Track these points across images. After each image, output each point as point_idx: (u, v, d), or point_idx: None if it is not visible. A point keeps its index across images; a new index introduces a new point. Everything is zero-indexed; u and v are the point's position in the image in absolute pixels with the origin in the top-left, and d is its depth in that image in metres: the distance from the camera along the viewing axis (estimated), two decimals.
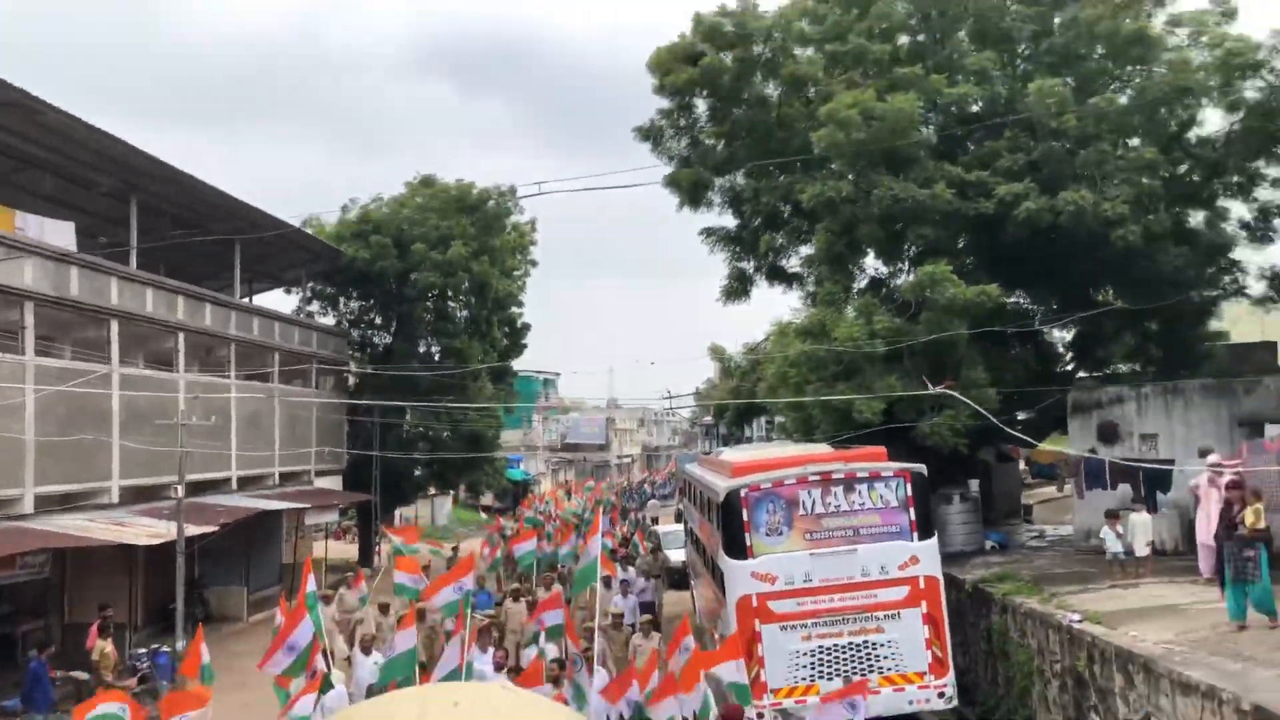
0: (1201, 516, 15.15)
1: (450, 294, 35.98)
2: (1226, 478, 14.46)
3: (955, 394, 17.00)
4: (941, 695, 14.70)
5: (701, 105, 23.19)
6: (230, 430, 25.97)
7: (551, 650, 15.07)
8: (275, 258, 32.78)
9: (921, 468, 15.32)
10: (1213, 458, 15.01)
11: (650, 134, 23.53)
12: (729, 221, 24.19)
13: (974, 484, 22.18)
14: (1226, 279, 22.18)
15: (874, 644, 14.57)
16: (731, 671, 11.87)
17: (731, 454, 19.47)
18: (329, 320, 37.29)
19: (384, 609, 18.40)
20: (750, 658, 14.41)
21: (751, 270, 24.32)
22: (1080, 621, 13.17)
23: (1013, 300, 23.45)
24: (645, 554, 29.45)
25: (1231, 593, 12.16)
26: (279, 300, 46.58)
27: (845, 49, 20.66)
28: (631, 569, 24.11)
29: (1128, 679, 11.56)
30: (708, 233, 24.23)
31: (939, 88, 20.09)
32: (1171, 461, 18.10)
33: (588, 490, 49.94)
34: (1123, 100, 20.11)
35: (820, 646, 14.55)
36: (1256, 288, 22.78)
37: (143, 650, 18.82)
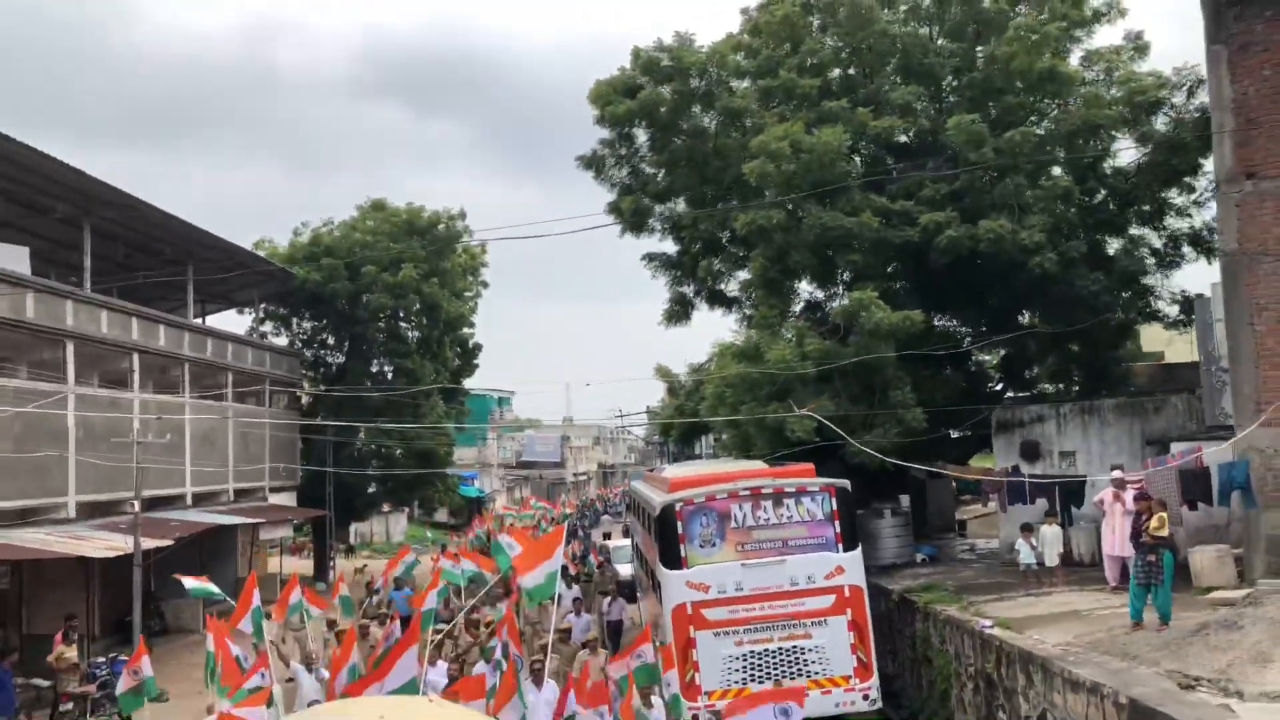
0: (1106, 529, 16.22)
1: (402, 315, 36.64)
2: (1130, 492, 15.57)
3: (815, 415, 17.99)
4: (866, 698, 15.60)
5: (641, 135, 24.14)
6: (185, 448, 26.39)
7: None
8: (228, 279, 33.13)
9: (846, 483, 16.28)
10: (1115, 474, 16.08)
11: (592, 163, 24.44)
12: (670, 247, 25.19)
13: (904, 499, 23.21)
14: (1140, 303, 23.43)
15: (802, 649, 15.45)
16: (674, 683, 12.44)
17: (671, 470, 20.33)
18: (282, 341, 37.74)
19: (330, 625, 18.51)
20: (685, 662, 15.28)
21: (692, 294, 25.29)
22: (991, 627, 14.15)
23: (942, 323, 24.65)
24: (597, 572, 29.72)
25: (1136, 594, 13.18)
26: (232, 321, 46.96)
27: (776, 83, 21.72)
28: (577, 586, 24.74)
29: (1028, 678, 12.54)
30: (649, 258, 25.16)
31: (865, 121, 21.18)
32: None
33: (536, 508, 50.37)
34: (1039, 133, 21.29)
35: (751, 651, 15.40)
36: (1170, 311, 24.15)
37: (102, 659, 19.22)
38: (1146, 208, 22.75)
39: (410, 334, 37.73)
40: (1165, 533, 12.76)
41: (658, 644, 16.52)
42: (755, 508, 15.84)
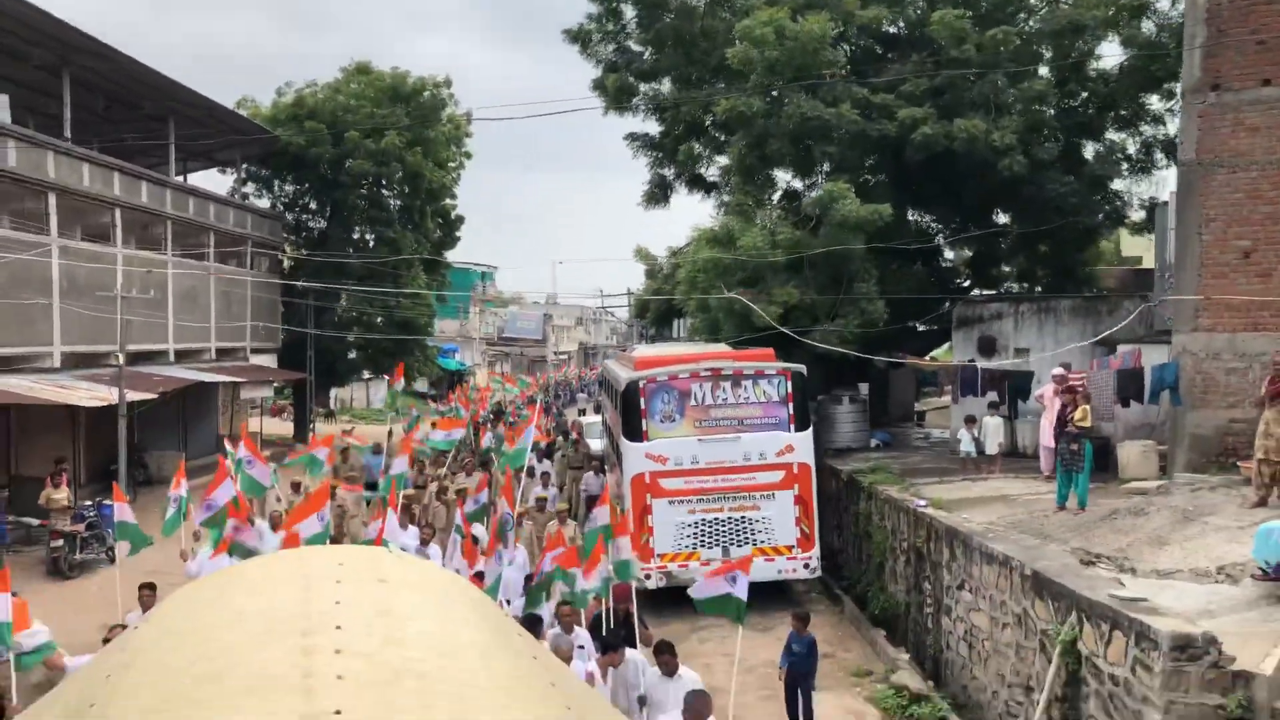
0: (1044, 422, 17.09)
1: (384, 183, 36.71)
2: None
3: (747, 301, 18.65)
4: (807, 566, 16.78)
5: (629, 11, 24.09)
6: (168, 305, 26.88)
7: (478, 530, 15.62)
8: (209, 138, 32.99)
9: (801, 368, 17.08)
10: (1057, 370, 16.89)
11: (579, 37, 24.42)
12: (653, 128, 25.33)
13: (864, 387, 24.06)
14: (1109, 208, 23.94)
15: (750, 520, 16.52)
16: (625, 548, 12.52)
17: (639, 351, 21.09)
18: (264, 203, 37.82)
19: (295, 487, 18.98)
20: (641, 527, 16.28)
21: (672, 177, 25.59)
22: (925, 506, 15.10)
23: (915, 218, 25.16)
24: (568, 448, 30.00)
25: (1061, 480, 14.16)
26: (214, 180, 46.74)
27: None
28: (548, 460, 25.64)
29: (952, 552, 13.53)
30: (632, 138, 25.36)
31: (853, 9, 21.25)
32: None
33: (522, 384, 51.28)
34: (1026, 30, 21.42)
35: (703, 520, 16.46)
36: (1138, 217, 24.71)
37: (89, 502, 20.14)
38: (1124, 112, 23.07)
39: (392, 203, 37.85)
40: (1088, 424, 13.63)
41: (618, 510, 17.60)
42: (714, 388, 16.65)
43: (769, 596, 16.80)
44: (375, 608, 2.09)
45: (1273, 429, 12.09)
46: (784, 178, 24.13)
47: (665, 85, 24.91)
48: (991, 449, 17.74)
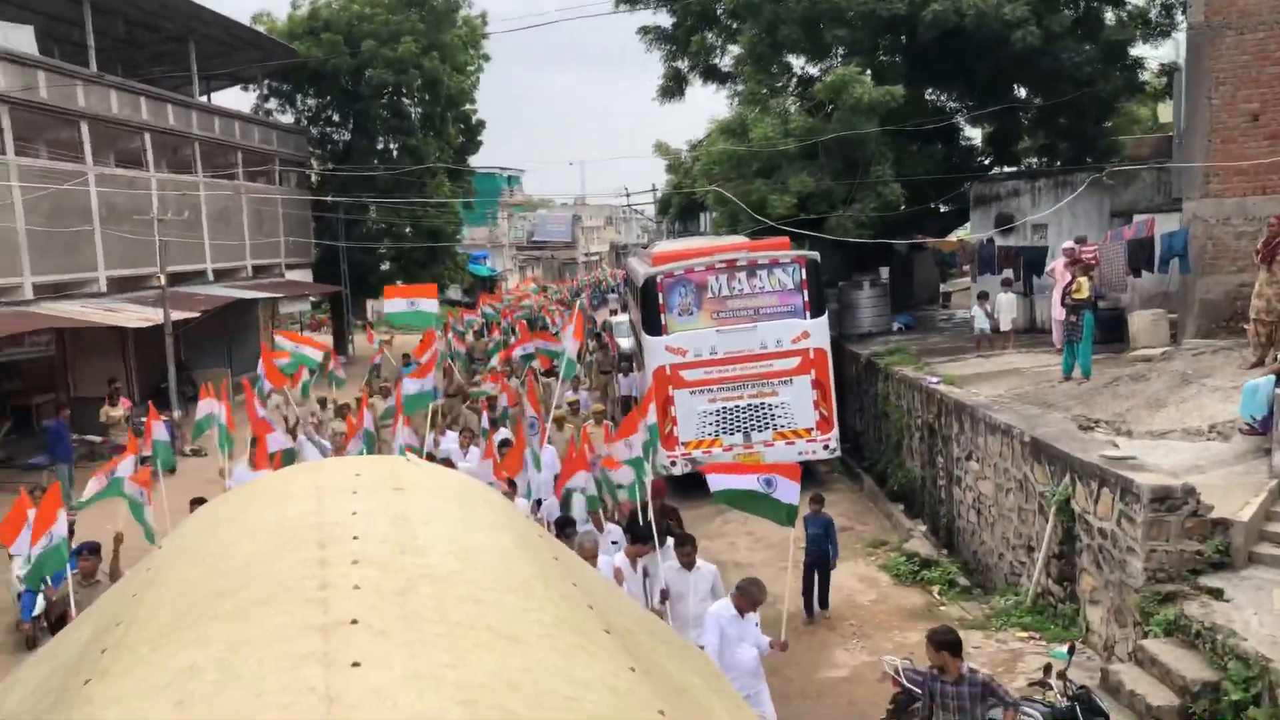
0: (1056, 296, 17.44)
1: (404, 91, 36.80)
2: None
3: (733, 197, 18.80)
4: (826, 448, 17.44)
5: None
6: (202, 225, 27.61)
7: (503, 432, 15.80)
8: (229, 56, 33.36)
9: (815, 255, 17.49)
10: (1067, 244, 17.14)
11: None
12: (665, 20, 25.23)
13: (884, 271, 24.36)
14: (1127, 75, 23.67)
15: (769, 405, 17.15)
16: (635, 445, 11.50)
17: (658, 247, 21.51)
18: (287, 119, 38.15)
19: (322, 403, 19.39)
20: (664, 417, 16.98)
21: (686, 69, 25.56)
22: (937, 383, 15.64)
23: (931, 97, 25.06)
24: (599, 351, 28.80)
25: (1066, 351, 14.64)
26: (237, 99, 46.97)
27: None
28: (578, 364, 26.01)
29: (960, 425, 14.11)
30: (644, 31, 25.29)
31: None
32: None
33: (548, 291, 51.77)
34: None
35: (724, 407, 17.12)
36: (1160, 83, 24.43)
37: (143, 419, 21.20)
38: None
39: (413, 111, 37.98)
40: (1083, 295, 14.00)
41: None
42: (730, 279, 17.13)
43: None
44: (391, 516, 2.12)
45: (1264, 289, 12.41)
46: (797, 64, 24.06)
47: None
48: (1005, 325, 18.15)
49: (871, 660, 10.56)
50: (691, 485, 17.42)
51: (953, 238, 25.04)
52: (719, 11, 24.17)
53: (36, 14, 24.99)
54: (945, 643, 6.83)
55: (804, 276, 17.12)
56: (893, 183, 20.82)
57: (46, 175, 21.41)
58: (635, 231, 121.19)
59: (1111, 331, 16.60)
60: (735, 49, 24.55)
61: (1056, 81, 22.32)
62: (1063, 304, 14.54)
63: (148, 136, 25.81)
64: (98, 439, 20.43)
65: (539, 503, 12.31)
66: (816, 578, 12.34)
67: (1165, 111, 30.71)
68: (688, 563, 9.08)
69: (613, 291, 56.87)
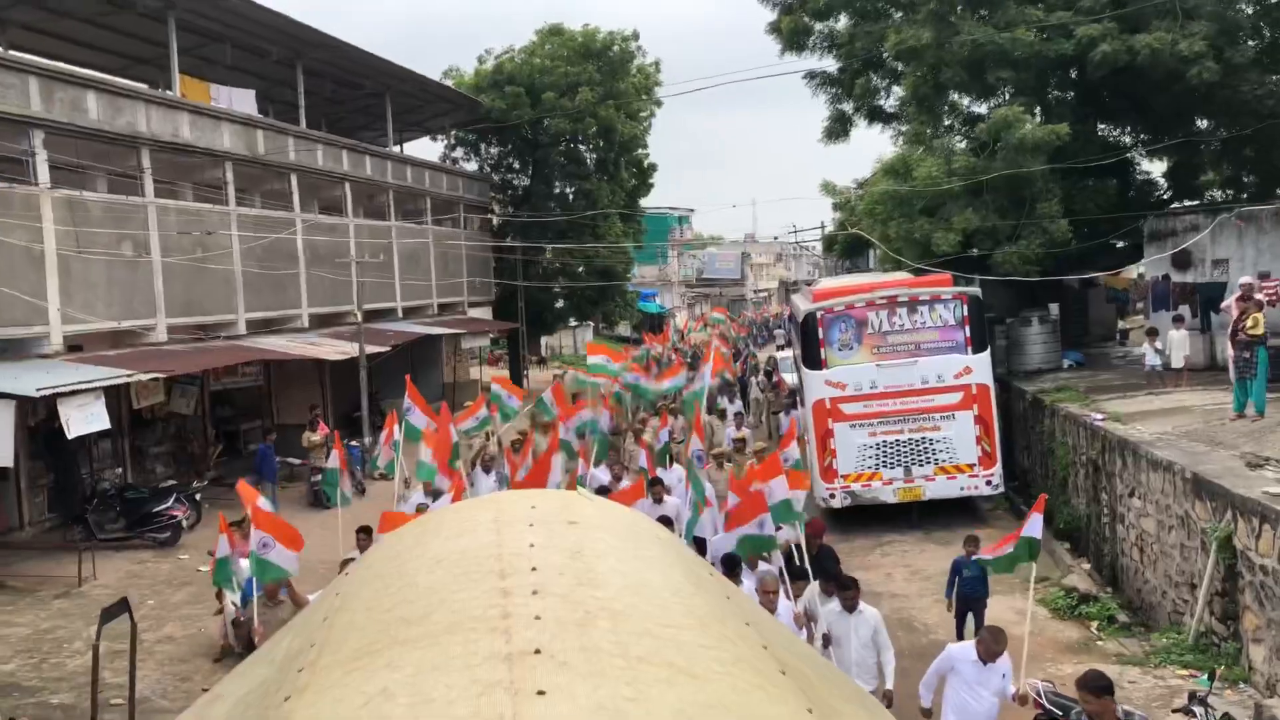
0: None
1: (580, 139, 38.60)
2: (1261, 296, 16.21)
3: (866, 239, 18.68)
4: (989, 483, 17.43)
5: None
6: (394, 266, 29.78)
7: (662, 474, 15.23)
8: (421, 109, 35.97)
9: (976, 291, 17.63)
10: (1245, 279, 16.65)
11: None
12: (830, 65, 25.77)
13: (1054, 308, 23.93)
14: None
15: (931, 440, 17.31)
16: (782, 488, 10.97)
17: (821, 284, 21.95)
18: (472, 166, 40.58)
19: (487, 436, 20.11)
20: (824, 450, 17.41)
21: (851, 111, 25.97)
22: (1102, 420, 15.48)
23: (1105, 132, 24.61)
24: (769, 389, 29.02)
25: (1236, 389, 14.30)
26: (426, 148, 50.12)
27: None
28: (739, 400, 26.42)
29: (1123, 462, 13.97)
30: (810, 76, 25.89)
31: None
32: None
33: (714, 320, 52.49)
34: None
35: (884, 441, 17.38)
36: None
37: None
38: None
39: (588, 156, 39.77)
40: (1259, 331, 13.67)
41: (805, 438, 18.14)
42: (890, 314, 17.46)
43: (953, 513, 17.61)
44: (567, 549, 2.15)
45: None
46: (962, 102, 24.11)
47: (841, 21, 25.25)
48: (1177, 362, 17.72)
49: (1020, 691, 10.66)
50: (849, 517, 17.77)
51: (1126, 274, 24.41)
52: (884, 54, 24.54)
53: (257, 78, 27.80)
54: (1101, 688, 6.57)
55: (966, 312, 17.27)
56: (1060, 219, 20.60)
57: (260, 222, 23.75)
58: (805, 268, 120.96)
59: None
60: (899, 90, 24.84)
61: (1239, 114, 21.63)
62: (1234, 340, 14.21)
63: (348, 186, 28.16)
64: (298, 461, 22.36)
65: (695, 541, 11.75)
66: (973, 621, 11.87)
67: None
68: (850, 606, 8.90)
69: (779, 328, 57.19)
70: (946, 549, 15.74)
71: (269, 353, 22.17)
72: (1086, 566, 15.26)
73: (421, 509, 12.27)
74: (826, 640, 8.80)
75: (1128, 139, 24.82)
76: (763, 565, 10.34)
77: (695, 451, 15.81)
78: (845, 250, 30.62)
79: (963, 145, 21.84)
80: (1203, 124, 24.20)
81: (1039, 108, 23.10)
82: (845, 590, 8.98)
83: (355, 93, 31.94)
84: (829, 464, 17.35)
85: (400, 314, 30.62)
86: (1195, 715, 7.66)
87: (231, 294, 22.21)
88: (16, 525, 18.27)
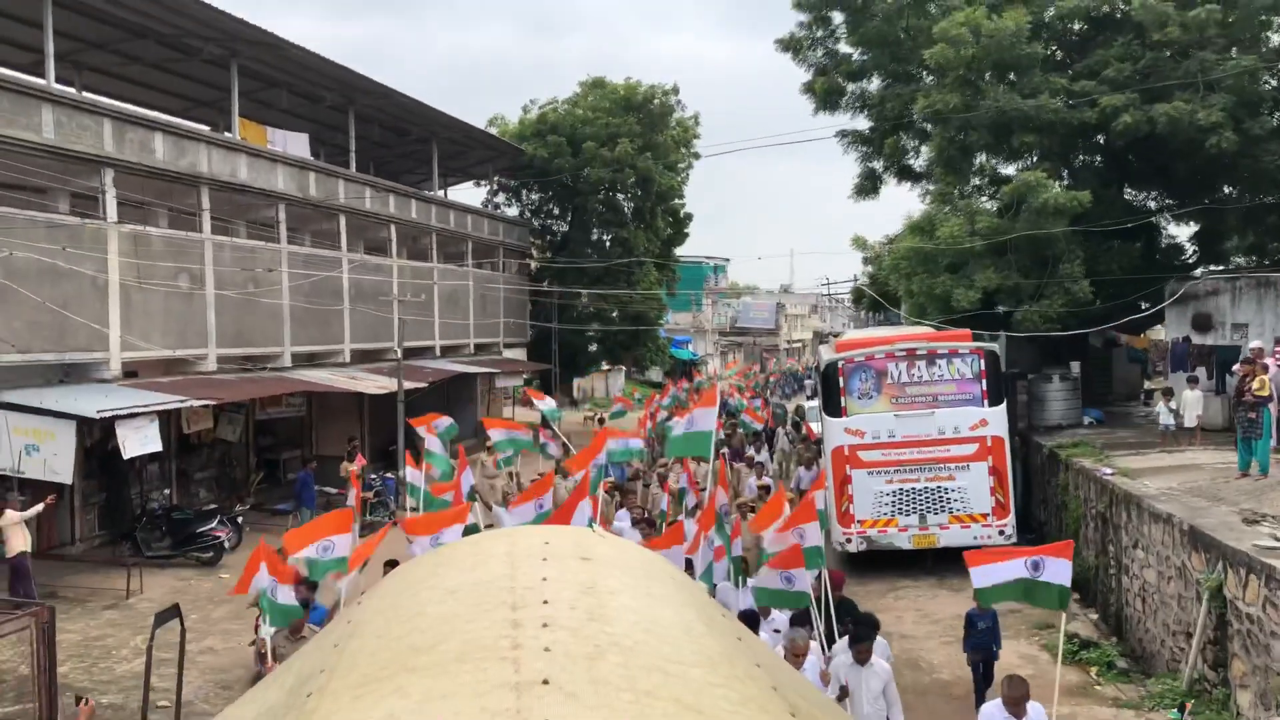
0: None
1: (618, 188, 39.74)
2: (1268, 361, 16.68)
3: (868, 299, 19.23)
4: (1002, 533, 17.83)
5: (838, 17, 25.53)
6: (434, 306, 30.82)
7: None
8: (465, 155, 37.29)
9: (994, 346, 18.24)
10: (1254, 343, 17.12)
11: (790, 45, 26.11)
12: (862, 124, 26.64)
13: (1075, 366, 24.39)
14: None
15: (946, 489, 17.79)
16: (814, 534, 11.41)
17: (846, 335, 22.61)
18: (513, 211, 41.84)
19: (510, 475, 20.74)
20: (842, 495, 17.95)
21: (881, 169, 26.77)
22: (1111, 475, 15.94)
23: (1131, 197, 25.21)
24: (797, 440, 28.94)
25: (1241, 448, 14.77)
26: (469, 193, 51.52)
27: None
28: (766, 450, 26.79)
29: (1128, 515, 14.44)
30: (842, 134, 26.75)
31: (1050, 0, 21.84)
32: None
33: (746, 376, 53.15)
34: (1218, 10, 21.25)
35: (900, 489, 17.87)
36: None
37: (375, 475, 23.94)
38: None
39: (626, 205, 40.91)
40: (1266, 393, 14.16)
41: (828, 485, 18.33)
42: (910, 366, 18.06)
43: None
44: (580, 584, 2.16)
45: None
46: (989, 164, 24.82)
47: (873, 83, 26.14)
48: (1190, 421, 18.16)
49: None
50: (865, 561, 18.24)
51: (1147, 336, 24.88)
52: (913, 116, 25.36)
53: (310, 121, 29.13)
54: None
55: (983, 367, 17.83)
56: (1082, 280, 21.16)
57: (309, 260, 24.85)
58: (842, 320, 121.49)
59: None
60: (927, 151, 25.61)
61: (1261, 183, 22.18)
62: (1239, 400, 14.69)
63: (393, 228, 29.31)
64: (334, 490, 23.17)
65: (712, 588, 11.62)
66: (983, 670, 11.96)
67: None
68: (861, 658, 8.83)
69: (809, 378, 57.71)
70: (958, 595, 16.18)
71: (312, 385, 23.13)
72: (1094, 616, 15.67)
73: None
74: (844, 693, 8.65)
75: (1152, 204, 25.40)
76: (777, 615, 10.38)
77: (722, 504, 15.38)
78: (874, 304, 31.27)
79: (988, 205, 22.51)
80: (1231, 191, 24.71)
81: (1065, 171, 23.77)
82: (858, 642, 8.93)
83: (403, 138, 33.28)
84: (846, 509, 17.87)
85: (438, 352, 31.59)
86: None
87: (279, 327, 23.24)
88: (69, 540, 19.21)
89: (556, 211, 42.26)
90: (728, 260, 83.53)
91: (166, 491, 21.45)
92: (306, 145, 26.42)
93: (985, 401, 17.83)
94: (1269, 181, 21.82)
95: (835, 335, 32.38)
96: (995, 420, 17.83)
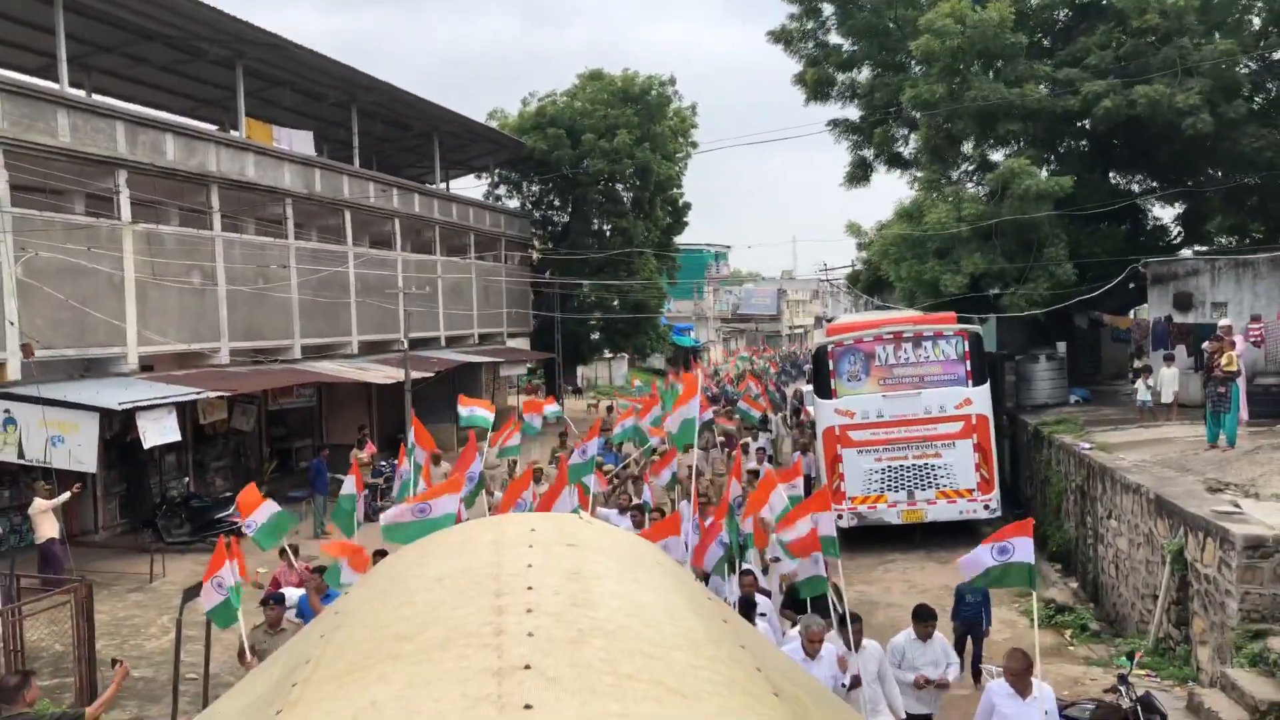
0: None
1: (617, 178, 40.40)
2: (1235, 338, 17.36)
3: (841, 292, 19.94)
4: (987, 507, 18.59)
5: (828, 9, 26.16)
6: (438, 298, 31.54)
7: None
8: (466, 149, 37.98)
9: (977, 329, 18.94)
10: (1224, 321, 17.78)
11: (781, 37, 26.73)
12: (852, 113, 27.27)
13: (1061, 346, 25.07)
14: None
15: (932, 466, 18.53)
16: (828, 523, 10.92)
17: (838, 320, 23.30)
18: (514, 203, 42.52)
19: (512, 465, 21.10)
20: (833, 473, 18.68)
21: (871, 158, 27.41)
22: (1089, 450, 16.65)
23: (1116, 180, 25.84)
24: (793, 425, 29.49)
25: (1210, 421, 15.46)
26: (471, 185, 52.21)
27: None
28: (764, 435, 27.41)
29: (1103, 487, 15.15)
30: (833, 124, 27.39)
31: None
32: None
33: (741, 360, 53.86)
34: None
35: (889, 466, 18.62)
36: None
37: (383, 462, 24.70)
38: None
39: (625, 195, 41.57)
40: (1234, 368, 14.83)
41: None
42: (897, 349, 18.78)
43: (955, 536, 18.74)
44: (565, 570, 2.17)
45: None
46: (975, 152, 25.44)
47: (863, 73, 26.75)
48: (1167, 397, 18.85)
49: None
50: (855, 536, 18.95)
51: (1130, 315, 25.55)
52: (902, 102, 25.97)
53: (313, 119, 29.78)
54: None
55: (967, 348, 18.54)
56: (1065, 263, 21.81)
57: (316, 255, 25.57)
58: (844, 305, 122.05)
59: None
60: (916, 138, 26.25)
61: (1239, 165, 22.80)
62: (1208, 376, 15.37)
63: (397, 222, 30.01)
64: (344, 478, 23.92)
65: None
66: (971, 645, 12.21)
67: None
68: (853, 642, 8.70)
69: (808, 363, 58.34)
70: (945, 567, 16.93)
71: (322, 376, 23.88)
72: (1074, 585, 16.40)
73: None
74: (856, 682, 8.42)
75: (1136, 187, 26.02)
76: (764, 601, 10.37)
77: (735, 498, 15.39)
78: (868, 288, 31.94)
79: (976, 191, 23.16)
80: (1215, 173, 25.31)
81: (1051, 156, 24.40)
82: (851, 624, 8.78)
83: (405, 133, 33.92)
84: (837, 487, 18.56)
85: (443, 342, 32.32)
86: (1120, 693, 8.89)
87: (288, 321, 23.98)
88: (92, 529, 20.00)
89: (557, 203, 42.91)
90: (729, 248, 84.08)
91: (186, 480, 22.22)
92: (311, 143, 27.09)
93: (969, 381, 18.54)
94: (1246, 164, 22.43)
95: (829, 320, 33.05)
96: (979, 399, 18.53)
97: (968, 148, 24.56)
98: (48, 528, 15.59)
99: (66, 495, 15.93)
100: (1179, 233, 27.38)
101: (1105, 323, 25.00)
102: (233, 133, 24.70)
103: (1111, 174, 25.63)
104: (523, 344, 39.52)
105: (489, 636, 1.82)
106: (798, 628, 8.86)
